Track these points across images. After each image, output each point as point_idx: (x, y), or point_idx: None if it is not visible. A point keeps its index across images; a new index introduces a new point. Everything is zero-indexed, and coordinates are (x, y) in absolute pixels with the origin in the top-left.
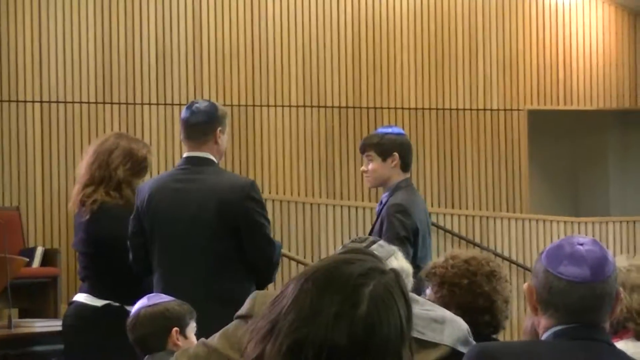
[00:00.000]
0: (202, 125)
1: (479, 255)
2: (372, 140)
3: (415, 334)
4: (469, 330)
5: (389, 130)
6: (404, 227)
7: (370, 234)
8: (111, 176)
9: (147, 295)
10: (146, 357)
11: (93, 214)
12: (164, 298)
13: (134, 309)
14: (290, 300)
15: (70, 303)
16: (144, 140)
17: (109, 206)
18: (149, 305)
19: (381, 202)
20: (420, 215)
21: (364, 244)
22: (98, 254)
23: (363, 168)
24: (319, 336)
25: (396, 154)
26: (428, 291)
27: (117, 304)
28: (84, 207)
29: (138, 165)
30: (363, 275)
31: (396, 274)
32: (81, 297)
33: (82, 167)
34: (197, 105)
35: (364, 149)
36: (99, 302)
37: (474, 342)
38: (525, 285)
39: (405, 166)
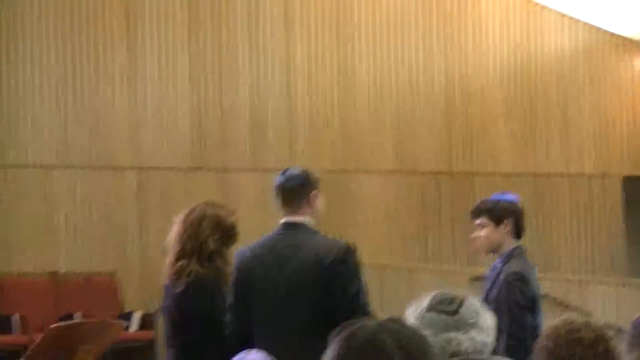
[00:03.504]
0: (297, 189)
1: (592, 324)
2: (485, 206)
3: None
4: None
5: (502, 197)
6: (523, 295)
7: (485, 300)
8: (202, 248)
9: (256, 354)
10: None
11: (188, 286)
12: None
13: None
14: None
15: None
16: (238, 206)
17: (203, 280)
18: None
19: (494, 267)
20: (537, 283)
21: (453, 306)
22: (188, 324)
23: (475, 234)
24: None
25: (509, 221)
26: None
27: None
28: (179, 279)
29: (227, 233)
30: (375, 333)
31: (390, 319)
32: None
33: (172, 238)
34: (290, 171)
35: (477, 214)
36: None
37: None
38: (636, 355)
39: (517, 233)
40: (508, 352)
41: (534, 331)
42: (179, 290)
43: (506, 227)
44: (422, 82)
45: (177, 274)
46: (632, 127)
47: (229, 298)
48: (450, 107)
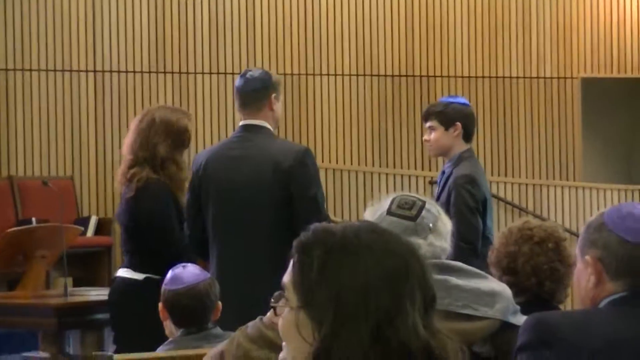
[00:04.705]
0: (256, 92)
1: (545, 224)
2: (435, 109)
3: (468, 310)
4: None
5: (454, 100)
6: (473, 198)
7: None
8: (154, 155)
9: (193, 268)
10: (182, 331)
11: (137, 190)
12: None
13: (184, 279)
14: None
15: (114, 279)
16: (198, 110)
17: (153, 184)
18: (208, 278)
19: (443, 172)
20: (486, 185)
21: (413, 211)
22: (139, 230)
23: (425, 137)
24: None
25: (459, 124)
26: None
27: (157, 277)
28: (130, 184)
29: (179, 138)
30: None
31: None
32: (123, 272)
33: (125, 147)
34: (250, 73)
35: (427, 117)
36: (139, 276)
37: (518, 308)
38: (588, 258)
39: (467, 137)
40: (457, 254)
41: (484, 234)
42: (129, 195)
43: (456, 130)
44: None
45: (129, 181)
46: (594, 29)
47: (187, 202)
48: (411, 8)
